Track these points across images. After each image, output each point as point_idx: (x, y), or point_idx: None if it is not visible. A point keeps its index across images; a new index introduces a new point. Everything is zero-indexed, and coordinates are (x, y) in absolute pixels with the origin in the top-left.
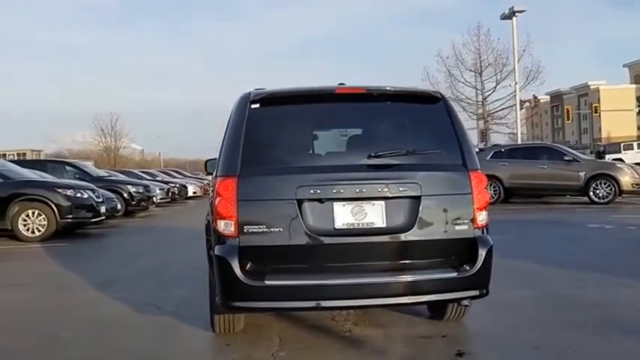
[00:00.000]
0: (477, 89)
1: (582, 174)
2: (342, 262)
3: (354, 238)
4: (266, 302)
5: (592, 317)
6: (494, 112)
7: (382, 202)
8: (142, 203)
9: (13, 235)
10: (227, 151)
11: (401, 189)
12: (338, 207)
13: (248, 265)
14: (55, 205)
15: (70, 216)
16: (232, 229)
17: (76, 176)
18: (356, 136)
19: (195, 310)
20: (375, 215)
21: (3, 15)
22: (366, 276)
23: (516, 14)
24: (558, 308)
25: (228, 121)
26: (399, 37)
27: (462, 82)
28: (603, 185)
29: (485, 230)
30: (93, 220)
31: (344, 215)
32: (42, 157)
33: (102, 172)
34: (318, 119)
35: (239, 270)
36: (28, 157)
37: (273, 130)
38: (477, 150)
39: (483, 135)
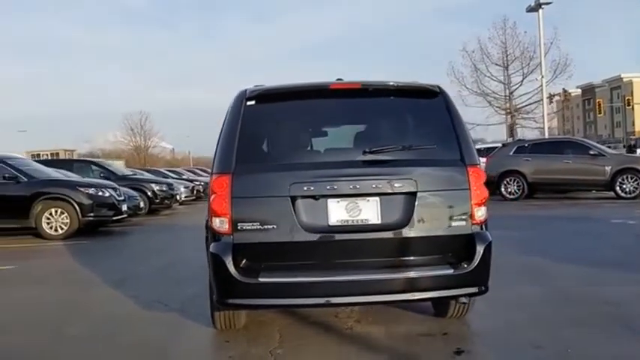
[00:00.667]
0: (503, 83)
1: (608, 168)
2: (336, 259)
3: (348, 235)
4: (260, 300)
5: (600, 315)
6: (521, 107)
7: (377, 199)
8: (166, 201)
9: (37, 233)
10: (222, 149)
11: (396, 185)
12: (332, 203)
13: (242, 263)
14: (77, 203)
15: (92, 214)
16: (226, 226)
17: (102, 175)
18: (351, 131)
19: (200, 307)
20: (369, 212)
21: (39, 16)
22: (360, 273)
23: (542, 6)
24: (566, 306)
25: (225, 119)
26: (424, 32)
27: (488, 77)
28: (630, 180)
29: (484, 226)
30: (114, 218)
31: (338, 212)
32: (74, 157)
33: (126, 171)
34: (313, 115)
35: (233, 267)
36: (61, 156)
37: (268, 127)
38: (501, 145)
39: (512, 130)
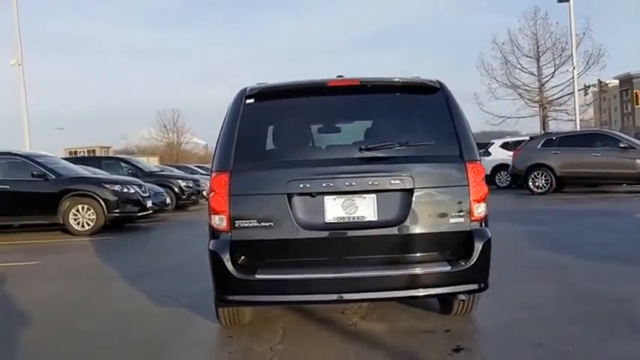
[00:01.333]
0: (534, 75)
1: (639, 161)
2: (333, 256)
3: (344, 232)
4: (257, 296)
5: (608, 313)
6: (553, 99)
7: (374, 196)
8: (192, 197)
9: (65, 229)
10: (221, 147)
11: (392, 182)
12: (329, 201)
13: (240, 260)
14: (103, 200)
15: (117, 210)
16: (225, 223)
17: (129, 172)
18: (349, 128)
19: (209, 303)
20: (366, 209)
21: (76, 16)
22: (357, 270)
23: None
24: (575, 303)
25: (225, 117)
26: (454, 24)
27: (519, 69)
28: None
29: (483, 223)
30: (139, 214)
31: (335, 209)
32: (110, 154)
33: (154, 168)
34: (311, 113)
35: (230, 264)
36: (97, 153)
37: (266, 125)
38: (528, 138)
39: (544, 122)
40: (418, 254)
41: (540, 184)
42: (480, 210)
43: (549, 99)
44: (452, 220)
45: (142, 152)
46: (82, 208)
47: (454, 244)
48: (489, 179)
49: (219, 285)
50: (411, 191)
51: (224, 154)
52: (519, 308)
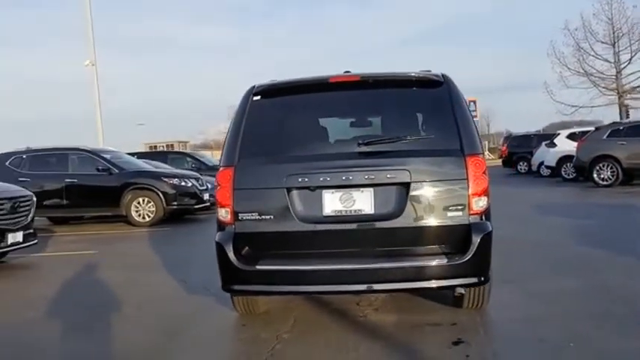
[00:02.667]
0: (609, 62)
1: None
2: (330, 248)
3: (342, 225)
4: (258, 286)
5: (630, 312)
6: (631, 86)
7: (371, 189)
8: None
9: (128, 221)
10: (228, 143)
11: (388, 176)
12: (327, 194)
13: (242, 251)
14: (162, 193)
15: (175, 203)
16: (229, 216)
17: (193, 166)
18: (350, 124)
19: None
20: (363, 202)
21: (152, 14)
22: (354, 262)
23: None
24: (599, 301)
25: (235, 113)
26: (523, 10)
27: (593, 56)
28: None
29: (483, 216)
30: (196, 206)
31: (333, 202)
32: (188, 149)
33: (217, 162)
34: (313, 109)
35: (233, 255)
36: (176, 148)
37: (270, 121)
38: (594, 129)
39: (623, 111)
40: (414, 247)
41: (605, 177)
42: (480, 204)
43: (627, 86)
44: (449, 214)
45: (219, 146)
46: (143, 200)
47: (451, 238)
48: (555, 171)
49: (223, 275)
50: (407, 185)
51: (230, 149)
52: (539, 304)
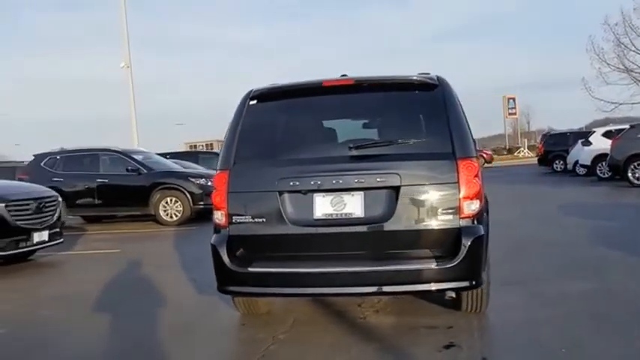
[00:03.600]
0: None
1: None
2: (321, 251)
3: (332, 229)
4: (251, 288)
5: (627, 315)
6: None
7: (361, 193)
8: None
9: (156, 220)
10: (225, 146)
11: (378, 180)
12: (318, 198)
13: (236, 254)
14: (189, 192)
15: (202, 202)
16: (224, 219)
17: None
18: (341, 128)
19: None
20: (353, 206)
21: (195, 16)
22: (343, 265)
23: None
24: (605, 303)
25: (232, 118)
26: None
27: (634, 51)
28: None
29: (475, 220)
30: None
31: (323, 206)
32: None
33: None
34: (306, 113)
35: (227, 257)
36: (215, 147)
37: (265, 125)
38: (628, 127)
39: None
40: (404, 250)
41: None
42: (471, 207)
43: None
44: (440, 217)
45: None
46: (170, 200)
47: (442, 241)
48: (590, 170)
49: (218, 276)
50: (397, 189)
51: (226, 153)
52: (543, 306)
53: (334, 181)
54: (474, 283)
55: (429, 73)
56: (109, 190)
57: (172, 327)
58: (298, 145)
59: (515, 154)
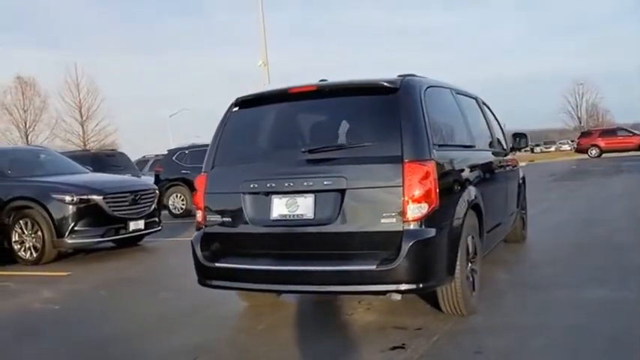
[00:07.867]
0: None
1: None
2: (276, 250)
3: (287, 229)
4: (219, 281)
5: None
6: None
7: (313, 195)
8: None
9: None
10: (209, 151)
11: (326, 182)
12: (276, 199)
13: (208, 250)
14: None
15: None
16: (201, 218)
17: None
18: (303, 132)
19: None
20: (305, 208)
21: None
22: (295, 264)
23: None
24: (595, 312)
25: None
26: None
27: None
28: None
29: (422, 224)
30: None
31: (279, 207)
32: None
33: None
34: (273, 119)
35: (200, 253)
36: None
37: (241, 131)
38: None
39: None
40: (348, 252)
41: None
42: (415, 210)
43: None
44: (382, 220)
45: None
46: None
47: (384, 244)
48: None
49: (196, 270)
50: (343, 192)
51: (208, 157)
52: (537, 313)
53: (287, 184)
54: (416, 286)
55: (414, 75)
56: None
57: (176, 314)
58: (263, 150)
59: None
